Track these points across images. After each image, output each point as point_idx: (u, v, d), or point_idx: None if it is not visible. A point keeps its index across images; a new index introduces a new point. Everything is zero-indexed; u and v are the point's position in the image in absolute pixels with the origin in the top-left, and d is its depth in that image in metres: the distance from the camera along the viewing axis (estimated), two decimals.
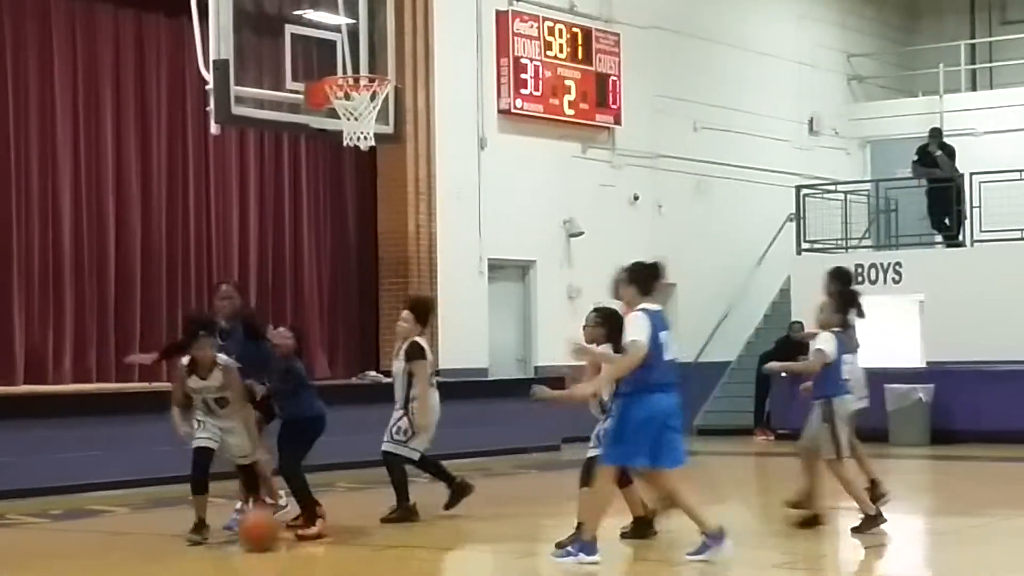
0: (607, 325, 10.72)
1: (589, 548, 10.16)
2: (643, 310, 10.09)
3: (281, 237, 19.81)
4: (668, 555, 10.91)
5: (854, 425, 12.22)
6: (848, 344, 12.12)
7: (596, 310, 11.08)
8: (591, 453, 10.87)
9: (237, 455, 11.60)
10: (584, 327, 11.06)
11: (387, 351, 20.44)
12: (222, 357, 11.39)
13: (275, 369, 11.68)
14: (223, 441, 11.48)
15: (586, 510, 10.47)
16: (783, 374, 13.08)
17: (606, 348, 10.56)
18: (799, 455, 11.98)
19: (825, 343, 11.62)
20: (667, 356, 10.09)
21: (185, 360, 11.48)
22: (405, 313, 12.67)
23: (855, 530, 11.50)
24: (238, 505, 12.13)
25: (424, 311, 12.82)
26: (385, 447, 12.58)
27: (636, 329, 9.97)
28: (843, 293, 12.54)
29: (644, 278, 10.22)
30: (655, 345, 9.98)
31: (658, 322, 10.06)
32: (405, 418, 12.52)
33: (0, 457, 14.78)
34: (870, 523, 11.50)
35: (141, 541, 12.11)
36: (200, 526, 11.41)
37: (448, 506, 12.85)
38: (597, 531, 10.18)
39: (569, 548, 10.32)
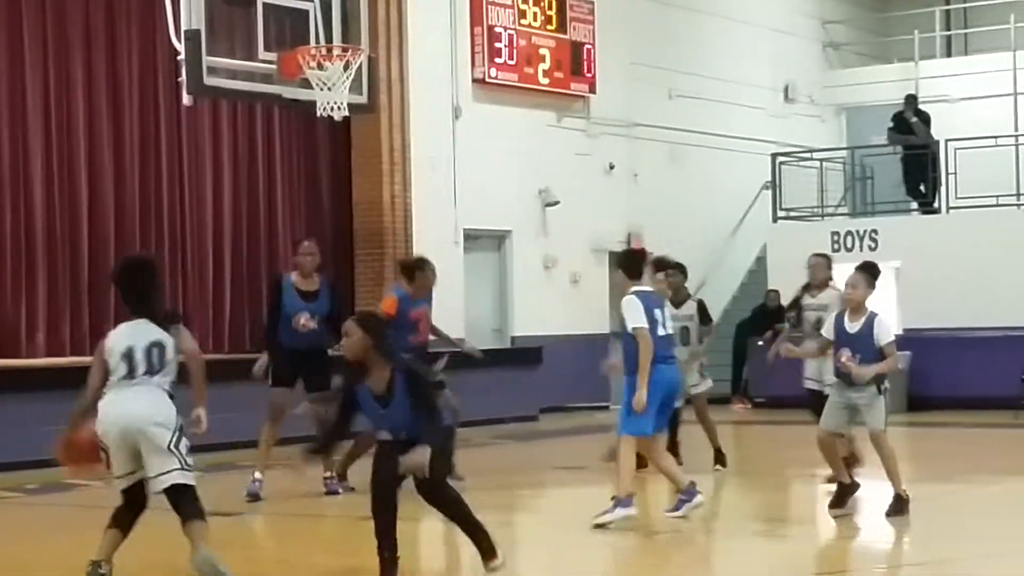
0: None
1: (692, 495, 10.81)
2: (635, 293, 10.71)
3: (255, 208, 19.71)
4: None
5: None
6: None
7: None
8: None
9: None
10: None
11: None
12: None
13: None
14: None
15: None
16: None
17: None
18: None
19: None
20: (661, 332, 10.70)
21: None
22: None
23: (888, 513, 10.99)
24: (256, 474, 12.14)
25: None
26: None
27: (633, 315, 10.58)
28: None
29: (631, 263, 10.94)
30: (650, 323, 10.62)
31: (649, 303, 10.68)
32: None
33: None
34: (902, 504, 11.04)
35: None
36: None
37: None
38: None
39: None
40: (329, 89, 14.97)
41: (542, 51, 22.36)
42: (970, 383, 21.00)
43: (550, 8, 22.49)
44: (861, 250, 22.74)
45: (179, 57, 14.58)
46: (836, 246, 22.72)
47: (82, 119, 17.78)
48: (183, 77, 14.61)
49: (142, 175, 18.42)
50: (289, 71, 15.14)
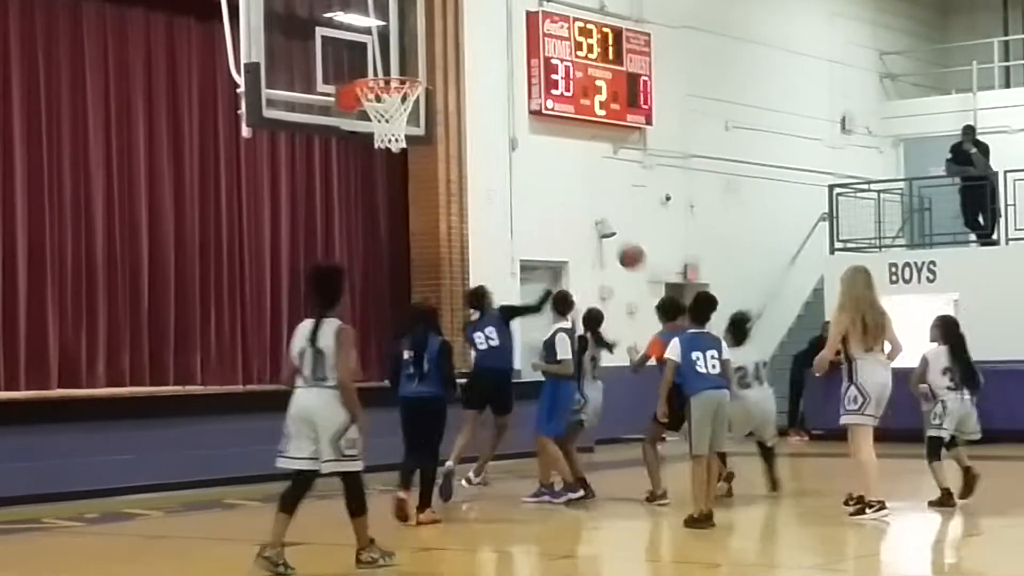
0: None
1: None
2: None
3: (313, 239, 19.82)
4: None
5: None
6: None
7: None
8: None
9: None
10: None
11: None
12: None
13: None
14: None
15: None
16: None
17: None
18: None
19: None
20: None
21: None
22: None
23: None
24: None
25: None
26: None
27: None
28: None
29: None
30: None
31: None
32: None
33: (35, 461, 14.85)
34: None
35: (174, 544, 12.13)
36: None
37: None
38: None
39: None
40: (387, 121, 15.06)
41: (598, 83, 22.42)
42: None
43: (606, 40, 22.56)
44: (919, 282, 22.63)
45: (239, 89, 14.70)
46: (894, 278, 22.60)
47: (142, 150, 17.94)
48: (242, 109, 14.73)
49: (201, 206, 18.57)
50: (347, 103, 15.24)
